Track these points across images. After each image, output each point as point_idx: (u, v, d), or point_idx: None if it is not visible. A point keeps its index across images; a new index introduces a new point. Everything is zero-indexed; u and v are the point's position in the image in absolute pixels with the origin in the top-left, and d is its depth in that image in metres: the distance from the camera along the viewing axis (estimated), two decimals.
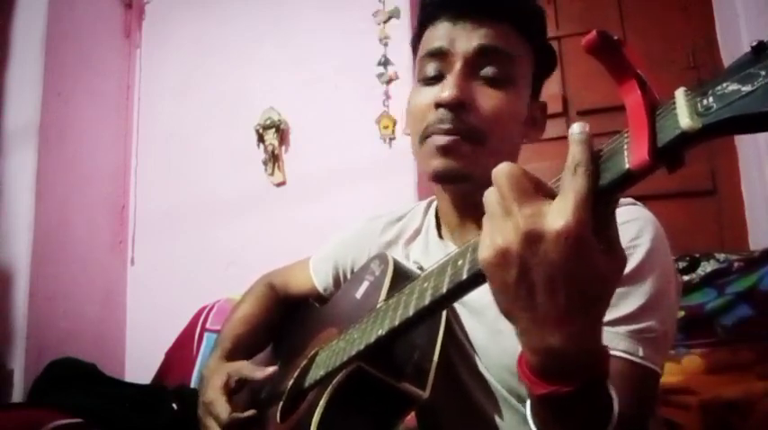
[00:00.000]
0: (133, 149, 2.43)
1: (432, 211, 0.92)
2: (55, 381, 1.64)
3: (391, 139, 2.02)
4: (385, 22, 2.09)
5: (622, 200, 0.69)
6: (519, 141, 0.81)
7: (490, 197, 0.44)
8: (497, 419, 0.74)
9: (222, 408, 0.82)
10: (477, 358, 0.76)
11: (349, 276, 0.98)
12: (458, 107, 0.73)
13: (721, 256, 1.30)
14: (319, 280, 1.03)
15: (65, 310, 2.05)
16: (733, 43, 1.76)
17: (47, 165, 2.04)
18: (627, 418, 0.51)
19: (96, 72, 2.31)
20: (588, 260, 0.40)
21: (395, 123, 2.01)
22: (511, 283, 0.41)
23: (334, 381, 0.68)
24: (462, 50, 0.75)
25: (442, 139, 0.74)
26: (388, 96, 2.04)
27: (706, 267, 1.29)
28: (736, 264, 1.27)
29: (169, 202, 2.32)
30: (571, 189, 0.40)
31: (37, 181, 2.00)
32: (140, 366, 1.98)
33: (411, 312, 0.58)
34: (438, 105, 0.74)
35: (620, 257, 0.42)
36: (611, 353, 0.59)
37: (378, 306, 0.69)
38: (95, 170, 2.27)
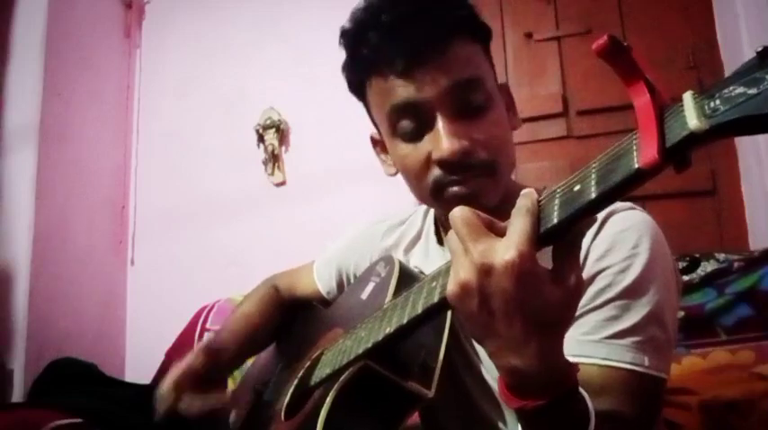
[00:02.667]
0: (133, 149, 2.43)
1: (430, 217, 0.92)
2: (55, 381, 1.64)
3: None
4: None
5: (621, 205, 0.69)
6: (513, 144, 0.78)
7: (451, 238, 0.48)
8: (500, 424, 0.74)
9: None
10: (479, 362, 0.76)
11: (352, 280, 0.98)
12: (462, 156, 0.68)
13: (721, 256, 1.30)
14: (323, 284, 1.03)
15: (65, 310, 2.05)
16: (733, 43, 1.76)
17: (47, 165, 2.04)
18: (635, 427, 0.52)
19: (96, 72, 2.31)
20: (534, 289, 0.44)
21: None
22: (474, 313, 0.46)
23: (342, 379, 0.68)
24: (435, 95, 0.69)
25: (459, 189, 0.70)
26: None
27: (706, 267, 1.30)
28: (736, 264, 1.27)
29: (169, 202, 2.32)
30: (516, 227, 0.45)
31: (37, 181, 1.99)
32: (140, 366, 1.98)
33: (420, 310, 0.58)
34: (440, 163, 0.70)
35: (572, 288, 0.46)
36: (619, 365, 0.61)
37: (385, 305, 0.69)
38: (95, 170, 2.27)
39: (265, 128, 2.15)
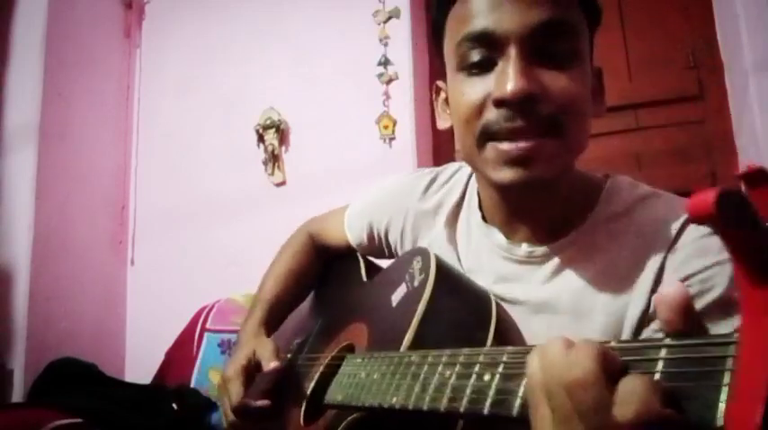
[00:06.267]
0: (133, 149, 2.43)
1: (472, 186, 0.82)
2: (55, 381, 1.64)
3: (391, 139, 2.02)
4: (385, 22, 2.09)
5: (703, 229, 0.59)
6: (590, 125, 0.69)
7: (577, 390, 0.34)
8: None
9: (235, 390, 0.80)
10: None
11: (383, 237, 0.93)
12: (526, 101, 0.59)
13: None
14: (353, 235, 0.99)
15: (65, 310, 2.05)
16: (733, 43, 1.76)
17: (47, 165, 2.03)
18: None
19: (96, 72, 2.30)
20: None
21: (395, 123, 2.01)
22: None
23: (349, 419, 0.65)
24: (517, 30, 0.61)
25: (511, 147, 0.61)
26: (388, 96, 2.04)
27: None
28: None
29: (169, 202, 2.32)
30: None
31: (37, 181, 1.99)
32: (140, 366, 1.98)
33: (425, 407, 0.51)
34: (499, 103, 0.61)
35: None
36: None
37: (405, 350, 0.62)
38: (95, 170, 2.27)
39: (265, 128, 2.15)
